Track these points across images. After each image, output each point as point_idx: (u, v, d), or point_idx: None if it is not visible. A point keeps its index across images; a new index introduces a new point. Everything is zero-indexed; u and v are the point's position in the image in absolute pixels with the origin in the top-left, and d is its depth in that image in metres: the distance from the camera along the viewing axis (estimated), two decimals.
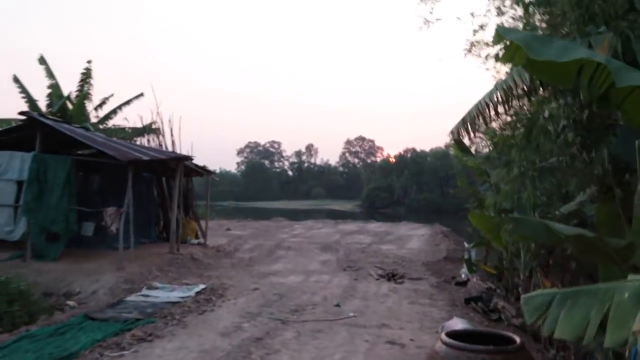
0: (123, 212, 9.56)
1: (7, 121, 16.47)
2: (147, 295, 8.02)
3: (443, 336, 3.40)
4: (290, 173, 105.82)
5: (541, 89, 3.93)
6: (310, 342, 5.79)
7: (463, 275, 9.59)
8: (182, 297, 7.95)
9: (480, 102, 4.22)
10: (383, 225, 24.59)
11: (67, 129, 10.55)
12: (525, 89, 3.97)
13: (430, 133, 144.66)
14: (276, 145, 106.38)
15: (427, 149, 78.41)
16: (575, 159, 4.16)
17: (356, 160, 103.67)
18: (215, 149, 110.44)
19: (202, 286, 8.70)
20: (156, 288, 8.49)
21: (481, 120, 4.24)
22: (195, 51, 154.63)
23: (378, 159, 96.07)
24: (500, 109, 4.11)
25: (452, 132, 4.66)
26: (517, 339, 3.34)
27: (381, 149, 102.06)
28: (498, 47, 12.15)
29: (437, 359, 3.28)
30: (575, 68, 2.53)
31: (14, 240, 10.13)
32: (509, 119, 5.10)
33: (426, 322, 6.66)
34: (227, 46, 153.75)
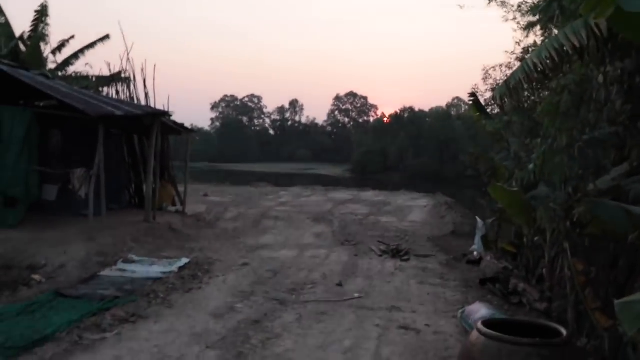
0: (93, 175, 9.36)
1: None
2: (124, 270, 7.97)
3: (480, 326, 3.43)
4: (271, 132, 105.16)
5: (597, 49, 3.85)
6: (315, 325, 5.84)
7: (475, 253, 9.71)
8: (164, 273, 7.93)
9: (526, 63, 4.11)
10: (379, 194, 24.71)
11: (25, 76, 10.20)
12: (579, 48, 3.88)
13: (431, 90, 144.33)
14: (256, 100, 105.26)
15: (426, 108, 78.48)
16: (628, 130, 4.13)
17: (346, 120, 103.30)
18: (185, 101, 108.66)
19: (185, 260, 8.67)
20: (133, 262, 8.44)
21: (526, 85, 4.14)
22: None
23: (371, 119, 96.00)
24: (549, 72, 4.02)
25: (494, 98, 4.56)
26: (563, 331, 3.37)
27: (375, 107, 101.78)
28: None
29: (474, 352, 3.31)
30: None
31: None
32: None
33: (440, 305, 6.75)
34: None
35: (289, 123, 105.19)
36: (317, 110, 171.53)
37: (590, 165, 5.62)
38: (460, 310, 5.92)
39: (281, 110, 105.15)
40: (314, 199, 21.58)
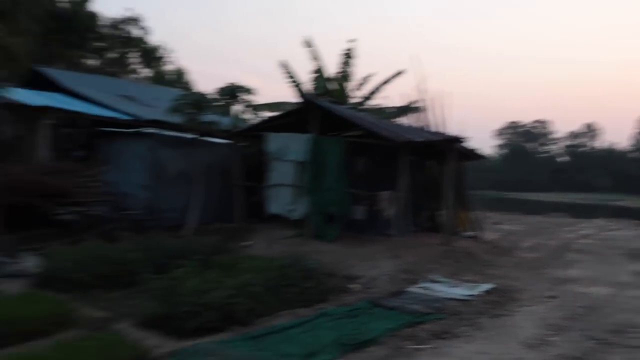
0: (399, 197, 10.12)
1: (276, 105, 19.29)
2: (428, 289, 8.34)
3: None
4: (562, 159, 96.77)
5: None
6: None
7: None
8: (467, 295, 8.01)
9: None
10: None
11: (340, 111, 11.73)
12: None
13: None
14: (543, 125, 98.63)
15: None
16: None
17: None
18: (465, 127, 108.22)
19: (487, 286, 8.61)
20: (437, 282, 8.77)
21: None
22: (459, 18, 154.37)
23: None
24: None
25: None
26: None
27: None
28: None
29: None
30: None
31: (294, 218, 11.81)
32: None
33: None
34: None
35: (584, 148, 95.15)
36: (617, 134, 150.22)
37: None
38: None
39: (574, 135, 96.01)
40: (622, 233, 19.09)
